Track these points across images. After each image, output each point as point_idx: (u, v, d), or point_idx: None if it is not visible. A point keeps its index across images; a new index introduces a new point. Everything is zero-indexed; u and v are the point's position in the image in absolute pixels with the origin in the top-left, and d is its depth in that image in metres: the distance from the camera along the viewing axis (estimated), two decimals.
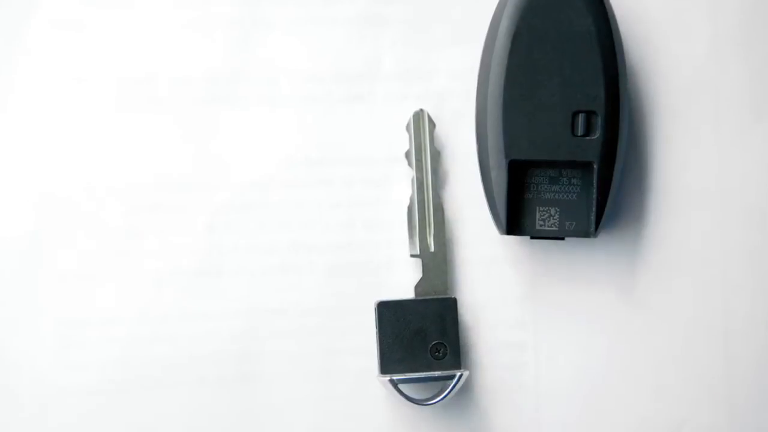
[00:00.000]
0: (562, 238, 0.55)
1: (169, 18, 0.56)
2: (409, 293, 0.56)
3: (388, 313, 0.55)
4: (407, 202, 0.56)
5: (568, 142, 0.53)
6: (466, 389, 0.56)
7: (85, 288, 0.56)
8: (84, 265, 0.56)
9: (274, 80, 0.56)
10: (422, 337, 0.54)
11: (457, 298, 0.55)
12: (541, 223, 0.55)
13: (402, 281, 0.56)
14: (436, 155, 0.56)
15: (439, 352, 0.55)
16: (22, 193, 0.56)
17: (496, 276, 0.56)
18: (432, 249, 0.55)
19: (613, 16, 0.54)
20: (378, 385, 0.56)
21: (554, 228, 0.55)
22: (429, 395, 0.55)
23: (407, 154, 0.56)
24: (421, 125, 0.56)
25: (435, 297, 0.55)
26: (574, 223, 0.55)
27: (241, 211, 0.56)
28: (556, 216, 0.55)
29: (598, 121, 0.53)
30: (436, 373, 0.54)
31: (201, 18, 0.56)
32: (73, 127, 0.56)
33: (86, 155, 0.56)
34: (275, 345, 0.56)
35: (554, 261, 0.57)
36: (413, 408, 0.55)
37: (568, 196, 0.55)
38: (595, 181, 0.54)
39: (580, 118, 0.53)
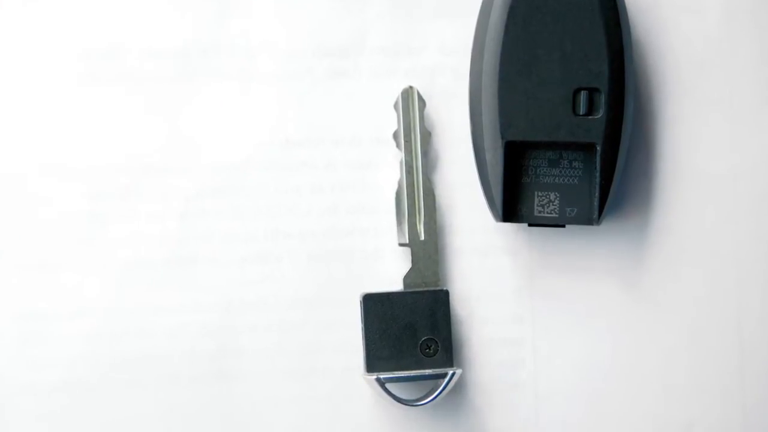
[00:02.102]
0: (563, 226, 0.55)
1: None
2: (397, 285, 0.55)
3: (374, 306, 0.54)
4: (395, 187, 0.55)
5: (569, 121, 0.53)
6: (459, 388, 0.56)
7: (48, 279, 0.55)
8: (46, 254, 0.55)
9: (251, 55, 0.56)
10: (411, 333, 0.54)
11: (449, 290, 0.55)
12: (540, 209, 0.54)
13: (390, 272, 0.56)
14: (427, 136, 0.56)
15: (429, 349, 0.54)
16: None
17: (492, 266, 0.56)
18: (422, 237, 0.55)
19: None
20: (364, 384, 0.55)
21: (554, 215, 0.54)
22: (419, 395, 0.55)
23: (395, 135, 0.56)
24: (411, 103, 0.55)
25: (425, 289, 0.55)
26: (576, 209, 0.54)
27: (215, 196, 0.56)
28: (556, 202, 0.54)
29: (602, 100, 0.53)
30: (427, 372, 0.54)
31: None
32: (35, 104, 0.55)
33: (48, 135, 0.55)
34: (253, 340, 0.55)
35: (554, 250, 0.56)
36: (402, 409, 0.55)
37: (569, 180, 0.54)
38: (598, 164, 0.53)
39: (582, 96, 0.53)
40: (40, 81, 0.55)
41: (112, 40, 0.55)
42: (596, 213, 0.53)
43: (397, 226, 0.55)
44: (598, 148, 0.53)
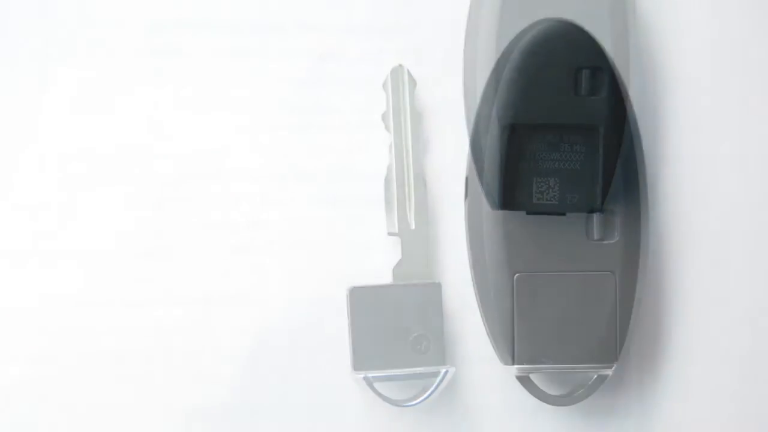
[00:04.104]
0: (564, 214, 0.54)
1: None
2: (386, 277, 0.55)
3: (362, 300, 0.54)
4: (384, 173, 0.55)
5: (570, 102, 0.53)
6: (452, 388, 0.55)
7: (11, 273, 0.55)
8: (10, 244, 0.55)
9: (229, 32, 0.56)
10: (401, 329, 0.54)
11: (442, 283, 0.55)
12: (539, 196, 0.54)
13: (378, 263, 0.55)
14: (418, 118, 0.55)
15: (421, 346, 0.54)
16: None
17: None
18: (412, 226, 0.55)
19: None
20: (350, 383, 0.55)
21: (554, 202, 0.54)
22: (409, 395, 0.55)
23: (384, 117, 0.55)
24: (400, 83, 0.55)
25: (416, 282, 0.55)
26: (577, 196, 0.54)
27: (192, 183, 0.55)
28: (556, 188, 0.54)
29: (605, 79, 0.53)
30: (418, 370, 0.54)
31: None
32: None
33: (13, 118, 0.55)
34: (232, 337, 0.55)
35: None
36: (391, 409, 0.55)
37: (570, 165, 0.54)
38: (600, 148, 0.53)
39: (584, 74, 0.53)
40: (3, 58, 0.55)
41: (81, 12, 0.55)
42: (599, 200, 0.53)
43: (386, 214, 0.55)
44: (601, 131, 0.53)
